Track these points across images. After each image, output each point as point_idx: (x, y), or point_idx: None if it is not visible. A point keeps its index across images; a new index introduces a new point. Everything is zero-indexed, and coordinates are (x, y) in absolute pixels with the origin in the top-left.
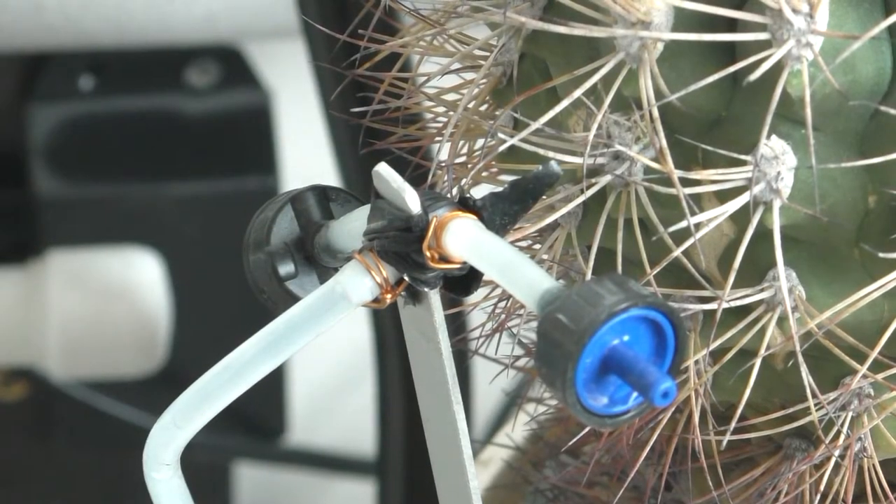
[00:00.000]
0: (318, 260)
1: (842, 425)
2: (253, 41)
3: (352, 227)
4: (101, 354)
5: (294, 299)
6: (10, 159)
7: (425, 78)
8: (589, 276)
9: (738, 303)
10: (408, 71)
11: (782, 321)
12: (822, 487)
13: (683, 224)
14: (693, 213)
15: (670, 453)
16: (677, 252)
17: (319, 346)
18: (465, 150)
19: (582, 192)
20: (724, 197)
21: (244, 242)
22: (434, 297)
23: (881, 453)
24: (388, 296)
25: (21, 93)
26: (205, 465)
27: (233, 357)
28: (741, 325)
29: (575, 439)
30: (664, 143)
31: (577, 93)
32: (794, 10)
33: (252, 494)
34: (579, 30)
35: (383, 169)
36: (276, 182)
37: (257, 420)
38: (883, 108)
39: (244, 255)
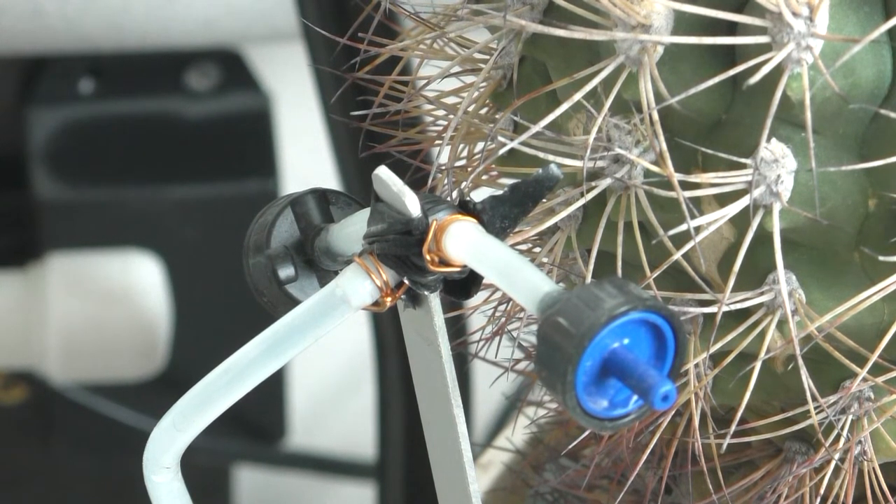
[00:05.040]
0: (318, 263)
1: (842, 428)
2: (253, 44)
3: (352, 230)
4: (101, 358)
5: (294, 302)
6: (10, 162)
7: (425, 81)
8: (589, 279)
9: (738, 306)
10: (408, 74)
11: (782, 324)
12: (822, 491)
13: (683, 227)
14: (693, 217)
15: (670, 456)
16: (677, 255)
17: (320, 350)
18: (465, 154)
19: (582, 195)
20: (724, 200)
21: (244, 246)
22: (434, 300)
23: (881, 456)
24: (388, 299)
25: (21, 96)
26: (205, 468)
27: (233, 360)
28: (741, 329)
29: (575, 442)
30: (664, 146)
31: (577, 96)
32: (794, 14)
33: (252, 497)
34: (579, 33)
35: (383, 172)
36: (275, 185)
37: (257, 423)
38: (883, 111)
39: (244, 258)
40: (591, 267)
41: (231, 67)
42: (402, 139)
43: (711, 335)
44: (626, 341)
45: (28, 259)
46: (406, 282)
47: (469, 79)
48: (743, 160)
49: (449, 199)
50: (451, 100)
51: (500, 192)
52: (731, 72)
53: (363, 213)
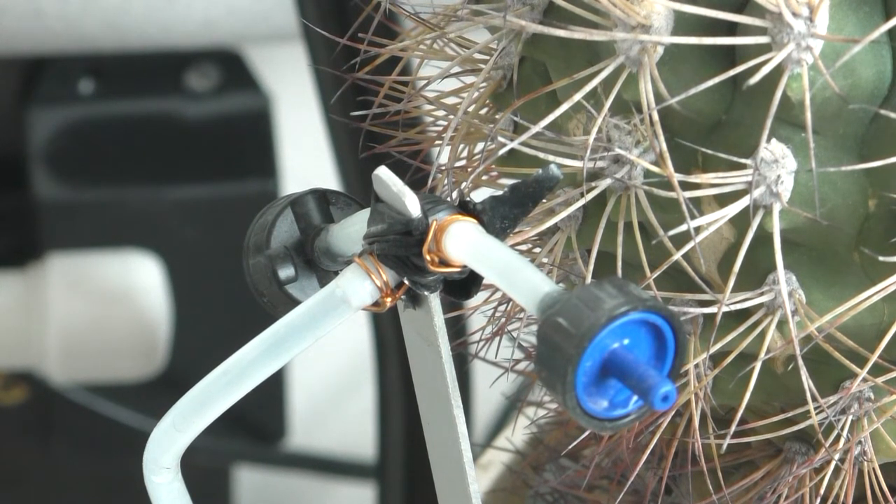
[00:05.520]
0: (318, 263)
1: (842, 429)
2: (253, 45)
3: (352, 230)
4: (101, 358)
5: (294, 303)
6: (10, 163)
7: (425, 81)
8: (589, 279)
9: (738, 306)
10: (408, 74)
11: (782, 325)
12: (822, 491)
13: (683, 228)
14: (693, 217)
15: (670, 457)
16: (677, 256)
17: (319, 350)
18: (465, 154)
19: (582, 195)
20: (724, 200)
21: (244, 246)
22: (434, 300)
23: (881, 457)
24: (388, 299)
25: (21, 96)
26: (205, 468)
27: (233, 361)
28: (741, 329)
29: (575, 443)
30: (664, 146)
31: (577, 96)
32: (794, 14)
33: (252, 498)
34: (579, 33)
35: (383, 172)
36: (275, 186)
37: (257, 424)
38: (883, 111)
39: (244, 258)
40: (591, 267)
41: (231, 68)
42: (402, 139)
43: (711, 335)
44: (626, 342)
45: (28, 259)
46: (406, 282)
47: (469, 79)
48: (743, 160)
49: (449, 199)
50: (451, 100)
51: (500, 193)
52: (732, 72)
53: (363, 214)
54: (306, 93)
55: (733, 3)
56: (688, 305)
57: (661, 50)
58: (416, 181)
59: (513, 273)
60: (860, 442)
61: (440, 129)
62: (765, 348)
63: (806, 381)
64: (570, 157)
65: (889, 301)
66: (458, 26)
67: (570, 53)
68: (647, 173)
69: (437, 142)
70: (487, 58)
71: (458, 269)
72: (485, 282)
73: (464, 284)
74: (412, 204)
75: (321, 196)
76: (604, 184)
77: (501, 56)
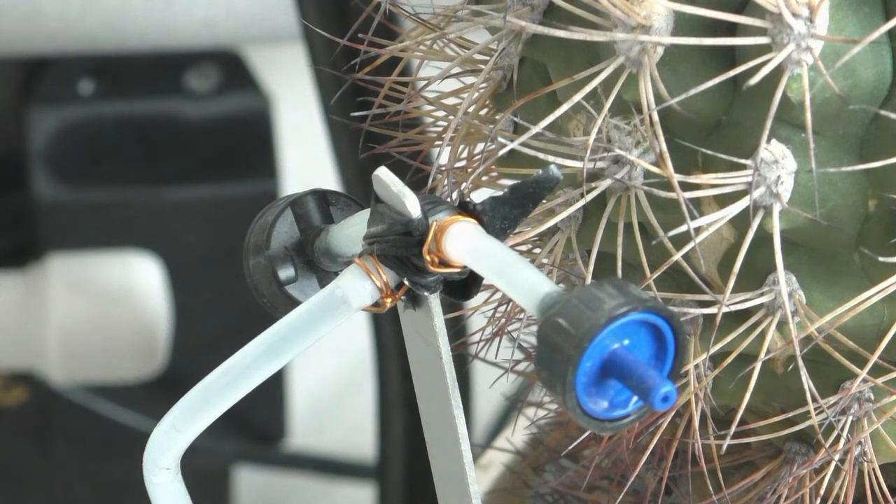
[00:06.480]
0: (319, 264)
1: (842, 429)
2: (253, 45)
3: (352, 231)
4: (101, 359)
5: (294, 303)
6: (10, 163)
7: (425, 82)
8: (589, 280)
9: (739, 307)
10: (408, 75)
11: (782, 325)
12: (822, 491)
13: (683, 228)
14: (693, 218)
15: (670, 457)
16: (677, 256)
17: (319, 350)
18: (465, 155)
19: (582, 196)
20: (724, 201)
21: (244, 246)
22: (434, 301)
23: (881, 457)
24: (389, 300)
25: (21, 97)
26: (205, 469)
27: (233, 361)
28: (741, 330)
29: (575, 443)
30: (664, 147)
31: (577, 97)
32: (794, 14)
33: (252, 498)
34: (579, 34)
35: (383, 173)
36: (275, 186)
37: (258, 424)
38: (883, 112)
39: (244, 259)
40: (591, 268)
41: (231, 68)
42: (402, 140)
43: (711, 336)
44: (626, 342)
45: (28, 259)
46: (406, 283)
47: (469, 80)
48: (743, 161)
49: (449, 199)
50: (451, 101)
51: (500, 194)
52: (731, 73)
53: (363, 214)
54: (306, 93)
55: (733, 4)
56: (688, 306)
57: (661, 50)
58: (417, 182)
59: (513, 273)
60: (860, 442)
61: (440, 129)
62: (765, 349)
63: (806, 382)
64: (570, 157)
65: (889, 302)
66: (459, 27)
67: (570, 54)
68: (648, 174)
69: (437, 142)
70: (487, 58)
71: (458, 270)
72: (485, 282)
73: (464, 285)
74: (412, 204)
75: (321, 196)
76: (604, 184)
77: (501, 57)
